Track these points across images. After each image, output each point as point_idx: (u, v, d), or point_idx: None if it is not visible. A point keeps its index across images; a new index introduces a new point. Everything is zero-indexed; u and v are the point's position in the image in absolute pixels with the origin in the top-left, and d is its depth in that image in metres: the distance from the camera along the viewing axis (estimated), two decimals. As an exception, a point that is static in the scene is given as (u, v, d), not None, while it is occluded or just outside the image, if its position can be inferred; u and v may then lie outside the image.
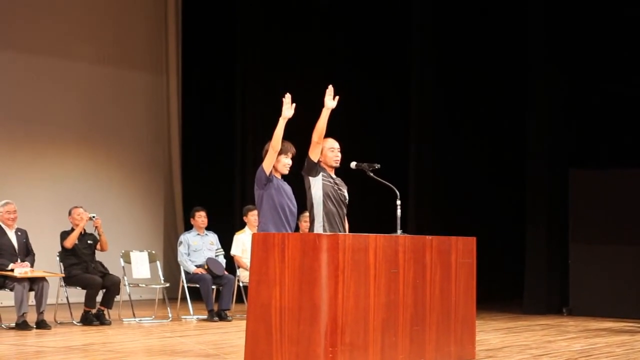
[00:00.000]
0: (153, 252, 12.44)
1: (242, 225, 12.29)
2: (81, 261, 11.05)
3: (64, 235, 11.08)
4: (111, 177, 14.71)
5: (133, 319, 11.42)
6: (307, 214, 8.13)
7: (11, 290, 10.31)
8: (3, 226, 10.62)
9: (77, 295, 11.27)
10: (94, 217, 11.19)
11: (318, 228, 7.71)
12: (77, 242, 11.05)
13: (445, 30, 14.00)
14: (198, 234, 12.08)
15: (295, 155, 7.91)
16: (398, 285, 7.16)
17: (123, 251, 12.06)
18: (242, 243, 11.78)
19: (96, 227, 11.23)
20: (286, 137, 7.75)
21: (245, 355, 7.08)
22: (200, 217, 12.11)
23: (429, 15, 13.86)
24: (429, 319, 7.49)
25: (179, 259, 12.04)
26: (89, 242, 11.20)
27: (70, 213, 11.21)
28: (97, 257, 11.30)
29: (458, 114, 14.33)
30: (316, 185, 7.73)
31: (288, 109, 7.61)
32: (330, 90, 7.65)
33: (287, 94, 7.63)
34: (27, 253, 10.69)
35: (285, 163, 7.84)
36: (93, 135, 14.51)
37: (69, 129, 14.23)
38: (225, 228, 13.06)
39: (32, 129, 13.79)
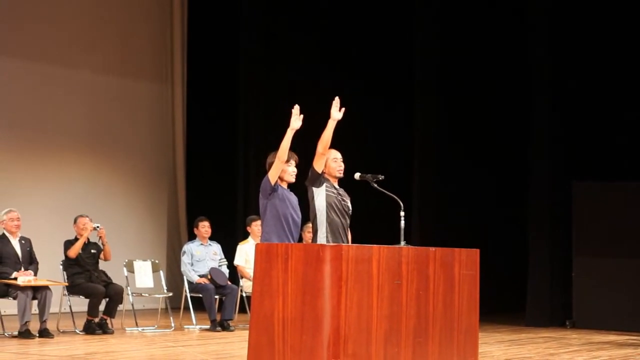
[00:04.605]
0: (156, 261, 12.44)
1: (245, 235, 12.30)
2: (84, 270, 11.05)
3: (68, 244, 11.09)
4: (115, 186, 14.72)
5: (136, 329, 11.42)
6: (310, 224, 8.13)
7: (14, 298, 10.32)
8: (7, 234, 10.63)
9: (80, 304, 11.28)
10: (98, 227, 11.20)
11: (321, 238, 7.71)
12: (80, 251, 11.06)
13: (449, 43, 14.01)
14: (201, 244, 12.08)
15: (298, 164, 7.90)
16: (401, 296, 7.15)
17: (126, 260, 12.07)
18: (246, 253, 11.80)
19: (100, 237, 11.25)
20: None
21: (248, 366, 7.07)
22: (204, 227, 12.11)
23: (433, 24, 13.88)
24: (432, 330, 7.47)
25: (182, 269, 12.04)
26: (92, 251, 11.21)
27: (75, 221, 11.22)
28: (101, 266, 11.31)
29: (462, 126, 14.33)
30: (320, 196, 7.74)
31: (296, 120, 7.52)
32: (336, 101, 7.63)
33: (296, 105, 7.58)
34: (30, 261, 10.69)
35: (291, 172, 7.82)
36: (97, 144, 14.53)
37: (74, 138, 14.24)
38: (228, 238, 13.06)
39: (36, 137, 13.82)
